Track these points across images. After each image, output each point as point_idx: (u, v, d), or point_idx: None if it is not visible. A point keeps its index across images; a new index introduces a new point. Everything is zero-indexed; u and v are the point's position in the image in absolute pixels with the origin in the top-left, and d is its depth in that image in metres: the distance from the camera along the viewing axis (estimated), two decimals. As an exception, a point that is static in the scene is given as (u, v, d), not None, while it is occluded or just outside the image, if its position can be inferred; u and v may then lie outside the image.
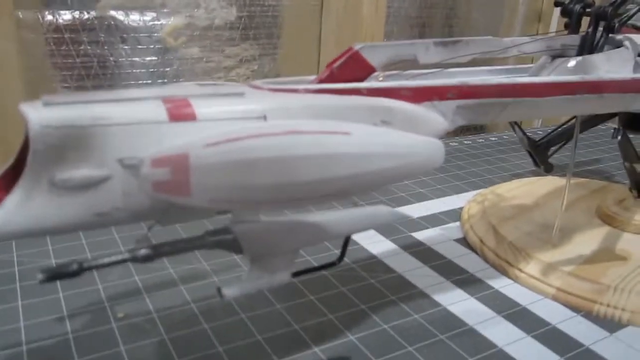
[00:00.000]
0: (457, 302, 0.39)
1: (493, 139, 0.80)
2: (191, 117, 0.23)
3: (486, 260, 0.45)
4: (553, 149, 0.47)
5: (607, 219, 0.49)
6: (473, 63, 0.36)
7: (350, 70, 0.30)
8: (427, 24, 0.78)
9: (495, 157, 0.72)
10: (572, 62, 0.38)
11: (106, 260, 0.22)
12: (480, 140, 0.78)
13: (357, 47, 0.30)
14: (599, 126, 0.54)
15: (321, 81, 0.29)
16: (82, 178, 0.21)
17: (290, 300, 0.38)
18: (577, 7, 0.40)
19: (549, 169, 0.48)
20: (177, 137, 0.22)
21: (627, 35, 0.40)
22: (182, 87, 0.26)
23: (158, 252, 0.23)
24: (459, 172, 0.65)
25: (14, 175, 0.23)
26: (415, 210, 0.54)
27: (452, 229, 0.50)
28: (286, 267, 0.25)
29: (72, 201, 0.21)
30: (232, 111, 0.24)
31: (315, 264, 0.39)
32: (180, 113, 0.23)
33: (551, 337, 0.36)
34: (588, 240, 0.46)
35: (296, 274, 0.26)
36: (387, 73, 0.33)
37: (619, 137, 0.38)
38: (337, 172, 0.23)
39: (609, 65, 0.38)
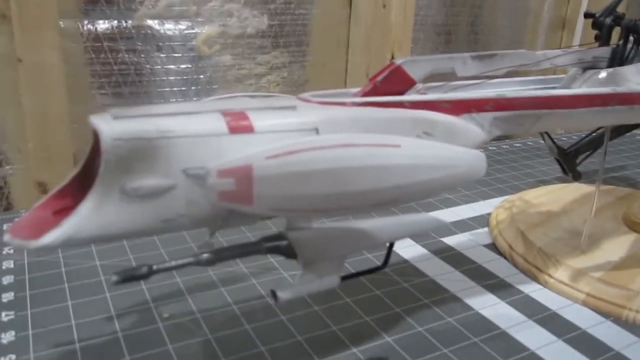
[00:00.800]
0: (489, 306, 0.40)
1: (517, 145, 0.81)
2: (249, 130, 0.24)
3: (515, 265, 0.46)
4: (581, 157, 0.48)
5: (633, 225, 0.50)
6: (507, 74, 0.37)
7: (392, 83, 0.31)
8: (453, 32, 0.79)
9: (520, 163, 0.73)
10: (603, 74, 0.39)
11: (173, 263, 0.23)
12: (505, 147, 0.79)
13: (399, 61, 0.31)
14: (625, 133, 0.55)
15: (365, 94, 0.30)
16: (150, 187, 0.23)
17: (328, 302, 0.40)
18: (608, 20, 0.41)
19: (577, 177, 0.48)
20: (237, 148, 0.24)
21: (657, 46, 0.41)
22: (237, 99, 0.28)
23: (219, 256, 0.24)
24: (486, 178, 0.66)
25: (82, 183, 0.25)
26: (445, 215, 0.55)
27: (481, 234, 0.52)
28: (336, 271, 0.27)
29: (141, 209, 0.23)
30: (287, 124, 0.25)
31: (352, 270, 0.40)
32: (239, 125, 0.24)
33: (582, 341, 0.37)
34: (616, 247, 0.47)
35: (345, 278, 0.28)
36: (428, 85, 0.34)
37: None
38: (387, 182, 0.24)
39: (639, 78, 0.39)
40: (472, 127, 0.31)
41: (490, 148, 0.77)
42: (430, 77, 0.34)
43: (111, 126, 0.22)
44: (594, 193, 0.45)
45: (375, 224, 0.27)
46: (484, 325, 0.38)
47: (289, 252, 0.25)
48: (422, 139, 0.28)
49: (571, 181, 0.52)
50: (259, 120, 0.25)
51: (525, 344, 0.37)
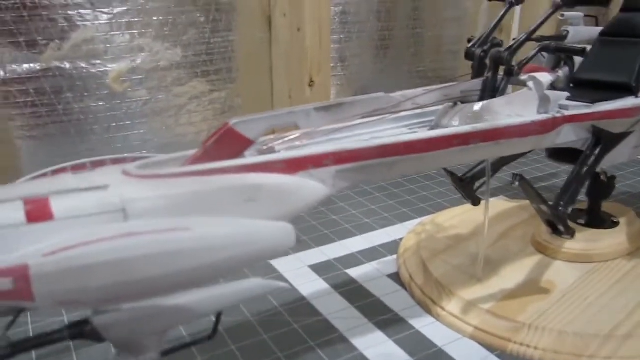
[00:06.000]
0: (374, 345, 0.40)
1: None
2: (49, 217, 0.24)
3: (413, 297, 0.46)
4: (478, 184, 0.48)
5: (540, 247, 0.50)
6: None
7: (226, 146, 0.31)
8: (392, 45, 0.79)
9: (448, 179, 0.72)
10: (472, 108, 0.38)
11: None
12: None
13: (231, 122, 0.31)
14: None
15: (195, 160, 0.30)
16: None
17: (211, 351, 0.40)
18: (479, 50, 0.40)
19: (476, 203, 0.48)
20: (34, 238, 0.24)
21: (531, 74, 0.41)
22: (51, 181, 0.27)
23: (17, 349, 0.24)
24: (409, 197, 0.65)
25: None
26: (357, 243, 0.55)
27: (388, 263, 0.51)
28: (154, 348, 0.27)
29: None
30: (91, 207, 0.25)
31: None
32: (38, 214, 0.24)
33: (459, 380, 0.37)
34: (515, 272, 0.47)
35: (166, 352, 0.27)
36: (273, 138, 0.33)
37: (517, 183, 0.39)
38: (177, 267, 0.24)
39: (511, 109, 0.38)
40: (308, 184, 0.31)
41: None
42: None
43: None
44: (505, 213, 0.45)
45: (193, 297, 0.27)
46: (363, 368, 0.38)
47: (95, 337, 0.25)
48: (223, 218, 0.28)
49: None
50: (60, 206, 0.25)
51: (400, 387, 0.36)
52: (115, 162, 0.33)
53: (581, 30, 0.55)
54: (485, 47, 0.40)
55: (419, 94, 0.37)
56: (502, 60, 0.39)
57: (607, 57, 0.48)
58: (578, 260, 0.48)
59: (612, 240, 0.50)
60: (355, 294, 0.47)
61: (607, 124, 0.43)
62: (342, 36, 0.74)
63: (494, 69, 0.39)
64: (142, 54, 0.61)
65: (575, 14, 0.56)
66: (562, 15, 0.55)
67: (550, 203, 0.41)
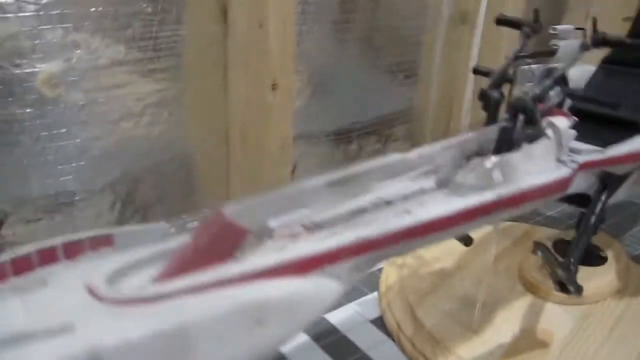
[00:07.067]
0: (370, 422, 0.36)
1: None
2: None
3: (403, 351, 0.42)
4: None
5: (530, 286, 0.47)
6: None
7: (219, 240, 0.24)
8: (351, 39, 0.72)
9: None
10: (490, 163, 0.33)
11: None
12: None
13: (226, 210, 0.24)
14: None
15: (184, 262, 0.24)
16: None
17: None
18: (495, 93, 0.35)
19: (468, 244, 0.44)
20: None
21: (550, 119, 0.36)
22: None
23: None
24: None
25: None
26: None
27: (370, 303, 0.47)
28: None
29: None
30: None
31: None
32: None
33: None
34: (510, 320, 0.43)
35: None
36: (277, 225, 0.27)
37: (539, 253, 0.35)
38: None
39: (530, 165, 0.34)
40: (323, 286, 0.25)
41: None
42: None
43: None
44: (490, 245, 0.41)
45: None
46: None
47: None
48: (250, 335, 0.22)
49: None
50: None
51: None
52: (94, 244, 0.26)
53: (571, 44, 0.51)
54: (502, 89, 0.35)
55: (436, 151, 0.32)
56: (526, 110, 0.34)
57: (612, 88, 0.44)
58: (570, 303, 0.45)
59: (602, 278, 0.47)
60: (338, 347, 0.42)
61: (616, 167, 0.40)
62: (302, 27, 0.67)
63: (513, 116, 0.34)
64: (78, 52, 0.52)
65: (566, 27, 0.52)
66: (554, 29, 0.51)
67: (561, 260, 0.37)
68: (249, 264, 0.23)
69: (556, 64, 0.46)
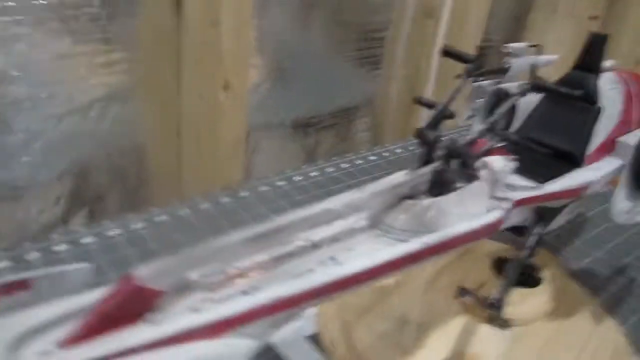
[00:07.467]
0: None
1: (360, 162, 0.72)
2: None
3: (335, 371, 0.43)
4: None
5: (465, 306, 0.48)
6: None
7: (129, 304, 0.24)
8: (314, 28, 0.71)
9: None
10: (420, 206, 0.33)
11: None
12: (346, 165, 0.70)
13: (136, 275, 0.24)
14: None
15: (90, 329, 0.23)
16: None
17: None
18: (432, 134, 0.35)
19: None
20: None
21: (485, 160, 0.36)
22: None
23: None
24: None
25: None
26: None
27: (309, 319, 0.47)
28: None
29: None
30: None
31: None
32: None
33: None
34: (443, 342, 0.44)
35: None
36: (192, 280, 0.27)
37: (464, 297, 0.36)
38: None
39: (462, 208, 0.34)
40: (236, 345, 0.25)
41: (327, 170, 0.69)
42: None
43: None
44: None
45: None
46: None
47: None
48: None
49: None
50: None
51: None
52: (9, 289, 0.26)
53: (525, 62, 0.51)
54: (438, 132, 0.35)
55: (365, 197, 0.32)
56: (460, 155, 0.34)
57: (553, 117, 0.44)
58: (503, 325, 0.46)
59: (535, 300, 0.48)
60: (271, 365, 0.42)
61: (552, 202, 0.41)
62: (263, 21, 0.65)
63: (446, 159, 0.34)
64: (19, 46, 0.50)
65: (519, 45, 0.52)
66: (506, 47, 0.51)
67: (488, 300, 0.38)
68: (159, 330, 0.23)
69: (507, 83, 0.46)
